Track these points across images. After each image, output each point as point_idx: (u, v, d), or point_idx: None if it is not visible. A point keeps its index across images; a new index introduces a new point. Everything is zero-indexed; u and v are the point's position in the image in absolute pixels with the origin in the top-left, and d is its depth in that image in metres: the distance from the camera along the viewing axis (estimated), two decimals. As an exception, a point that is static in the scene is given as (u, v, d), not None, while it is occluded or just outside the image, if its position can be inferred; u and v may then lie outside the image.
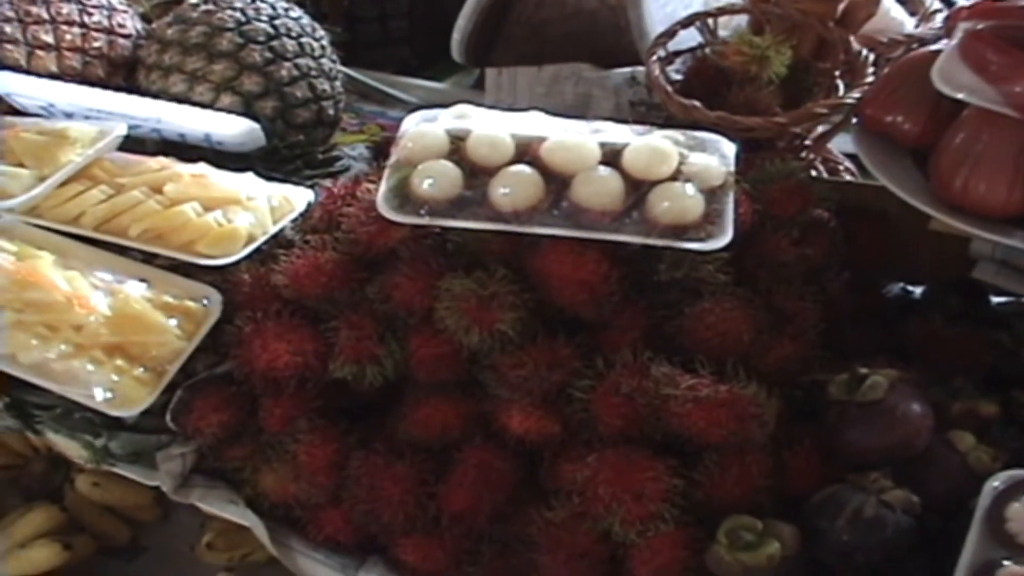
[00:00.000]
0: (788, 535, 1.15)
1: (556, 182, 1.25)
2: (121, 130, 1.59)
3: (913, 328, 1.41)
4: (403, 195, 1.26)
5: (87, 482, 1.79)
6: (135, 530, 1.83)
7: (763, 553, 1.13)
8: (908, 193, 1.29)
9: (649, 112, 1.74)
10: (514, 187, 1.24)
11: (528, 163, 1.26)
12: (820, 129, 1.57)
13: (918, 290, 1.55)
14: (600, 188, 1.23)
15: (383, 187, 1.27)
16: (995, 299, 1.52)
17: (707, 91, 1.50)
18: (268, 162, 1.64)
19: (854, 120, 1.44)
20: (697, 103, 1.45)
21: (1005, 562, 1.08)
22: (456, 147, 1.29)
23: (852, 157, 1.69)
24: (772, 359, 1.24)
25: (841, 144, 1.68)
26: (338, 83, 1.81)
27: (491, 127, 1.31)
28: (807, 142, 1.58)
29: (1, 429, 1.49)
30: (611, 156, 1.27)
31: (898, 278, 1.56)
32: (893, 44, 1.55)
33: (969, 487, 1.16)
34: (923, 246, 1.48)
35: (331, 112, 1.79)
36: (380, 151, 1.83)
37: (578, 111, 1.38)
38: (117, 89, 1.74)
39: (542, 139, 1.28)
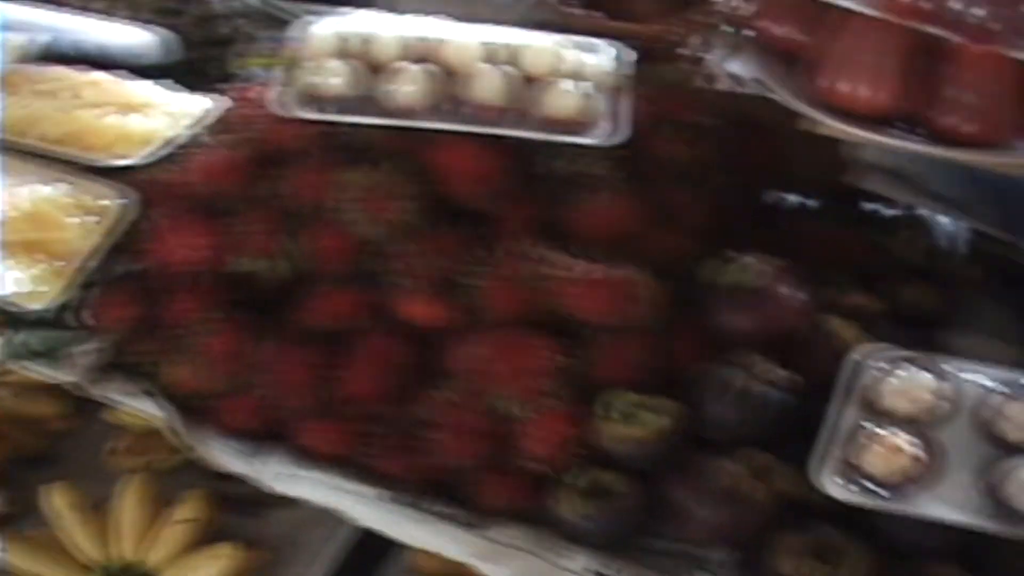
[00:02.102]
0: (674, 411, 1.22)
1: (451, 79, 1.31)
2: (41, 39, 1.63)
3: (792, 228, 1.50)
4: (300, 93, 1.32)
5: (-1, 392, 1.84)
6: (49, 439, 1.89)
7: (651, 428, 1.21)
8: (785, 95, 1.33)
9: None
10: (409, 84, 1.30)
11: (423, 60, 1.32)
12: (703, 39, 1.61)
13: (799, 197, 1.63)
14: (495, 84, 1.30)
15: (281, 86, 1.33)
16: (871, 204, 1.61)
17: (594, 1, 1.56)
18: (180, 76, 1.67)
19: (735, 30, 1.49)
20: (585, 11, 1.52)
21: (866, 424, 1.18)
22: (352, 46, 1.34)
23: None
24: (658, 251, 1.31)
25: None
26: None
27: (386, 27, 1.36)
28: (691, 52, 1.63)
29: (-87, 329, 1.52)
30: (506, 54, 1.33)
31: (779, 185, 1.63)
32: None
33: (831, 363, 1.24)
34: (803, 154, 1.55)
35: (244, 29, 1.82)
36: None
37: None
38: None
39: (437, 37, 1.34)
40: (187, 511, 1.66)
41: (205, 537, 1.67)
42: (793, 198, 1.63)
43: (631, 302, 1.23)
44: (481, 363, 1.23)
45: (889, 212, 1.62)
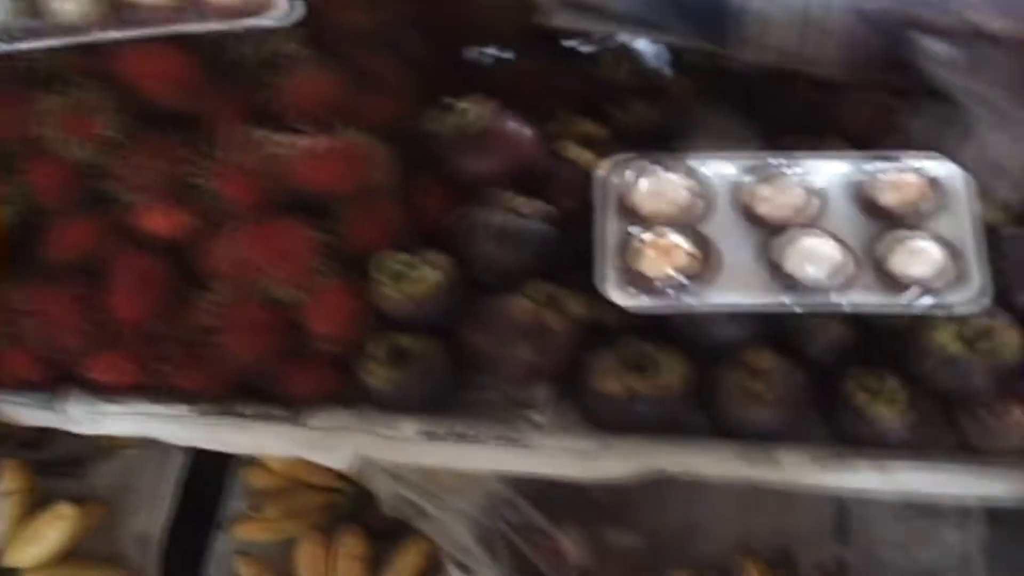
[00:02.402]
0: (444, 262, 1.24)
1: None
2: None
3: (498, 76, 1.51)
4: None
5: None
6: None
7: (427, 283, 1.22)
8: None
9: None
10: (71, 1, 1.24)
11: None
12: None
13: (497, 48, 1.63)
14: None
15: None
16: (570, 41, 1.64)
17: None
18: None
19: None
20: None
21: (633, 231, 1.21)
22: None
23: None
24: (372, 115, 1.30)
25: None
26: None
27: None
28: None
29: None
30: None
31: (475, 39, 1.63)
32: None
33: (585, 188, 1.27)
34: (489, 4, 1.57)
35: None
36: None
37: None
38: None
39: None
40: (7, 483, 1.62)
41: (34, 507, 1.64)
42: (492, 50, 1.63)
43: (362, 165, 1.24)
44: (242, 258, 1.22)
45: (589, 45, 1.63)
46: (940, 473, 1.23)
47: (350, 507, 1.70)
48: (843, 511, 1.81)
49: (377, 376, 1.24)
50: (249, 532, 1.69)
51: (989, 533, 1.78)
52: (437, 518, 1.50)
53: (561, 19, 1.53)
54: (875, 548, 1.77)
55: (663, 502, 1.81)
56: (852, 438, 1.24)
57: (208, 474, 1.72)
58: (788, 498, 1.81)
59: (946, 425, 1.27)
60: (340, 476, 1.68)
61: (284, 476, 1.67)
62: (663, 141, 1.37)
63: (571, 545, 1.58)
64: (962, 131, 1.42)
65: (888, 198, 1.26)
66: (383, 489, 1.45)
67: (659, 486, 1.78)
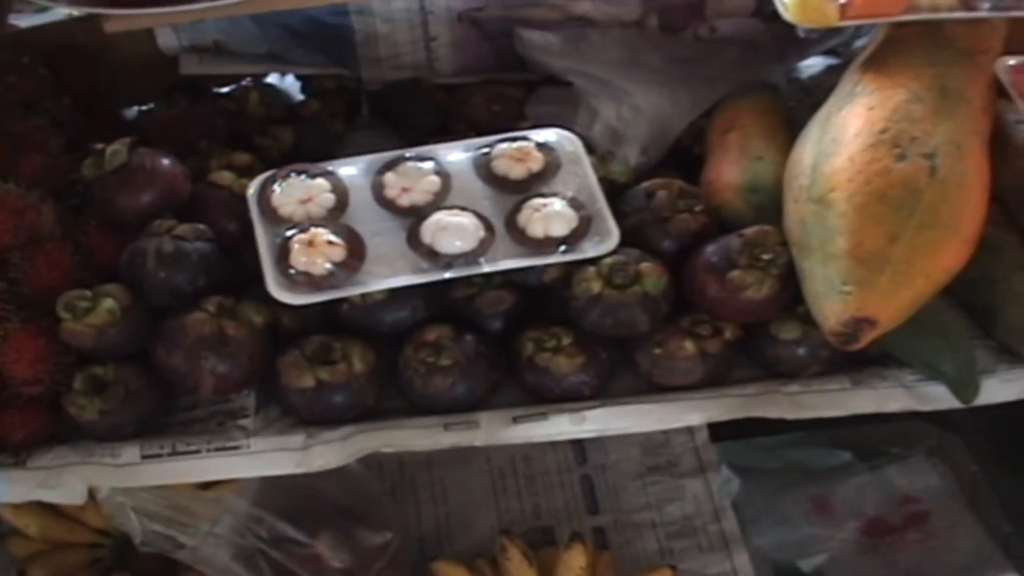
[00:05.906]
0: (116, 291, 1.30)
1: None
2: None
3: (148, 122, 1.64)
4: None
5: None
6: None
7: (102, 310, 1.28)
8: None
9: None
10: None
11: None
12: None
13: (148, 101, 1.75)
14: None
15: None
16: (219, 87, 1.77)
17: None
18: None
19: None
20: None
21: (283, 234, 1.32)
22: None
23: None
24: (27, 171, 1.40)
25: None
26: None
27: None
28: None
29: None
30: None
31: (124, 94, 1.76)
32: None
33: (240, 210, 1.39)
34: (135, 68, 1.72)
35: None
36: None
37: None
38: None
39: None
40: None
41: None
42: (145, 105, 1.76)
43: (27, 214, 1.32)
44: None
45: (234, 86, 1.77)
46: (632, 412, 1.31)
47: (114, 557, 1.74)
48: (588, 484, 1.94)
49: (83, 408, 1.29)
50: (19, 601, 1.67)
51: (734, 481, 1.94)
52: (193, 546, 1.57)
53: (190, 66, 1.69)
54: (626, 513, 1.92)
55: (415, 501, 1.92)
56: (542, 393, 1.33)
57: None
58: (534, 481, 1.95)
59: (629, 367, 1.38)
60: (98, 530, 1.75)
61: (43, 539, 1.70)
62: (310, 159, 1.47)
63: (327, 550, 1.66)
64: (583, 107, 1.60)
65: (515, 171, 1.42)
66: (136, 529, 1.51)
67: (407, 487, 1.92)
